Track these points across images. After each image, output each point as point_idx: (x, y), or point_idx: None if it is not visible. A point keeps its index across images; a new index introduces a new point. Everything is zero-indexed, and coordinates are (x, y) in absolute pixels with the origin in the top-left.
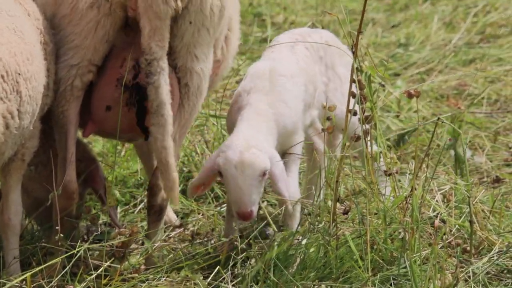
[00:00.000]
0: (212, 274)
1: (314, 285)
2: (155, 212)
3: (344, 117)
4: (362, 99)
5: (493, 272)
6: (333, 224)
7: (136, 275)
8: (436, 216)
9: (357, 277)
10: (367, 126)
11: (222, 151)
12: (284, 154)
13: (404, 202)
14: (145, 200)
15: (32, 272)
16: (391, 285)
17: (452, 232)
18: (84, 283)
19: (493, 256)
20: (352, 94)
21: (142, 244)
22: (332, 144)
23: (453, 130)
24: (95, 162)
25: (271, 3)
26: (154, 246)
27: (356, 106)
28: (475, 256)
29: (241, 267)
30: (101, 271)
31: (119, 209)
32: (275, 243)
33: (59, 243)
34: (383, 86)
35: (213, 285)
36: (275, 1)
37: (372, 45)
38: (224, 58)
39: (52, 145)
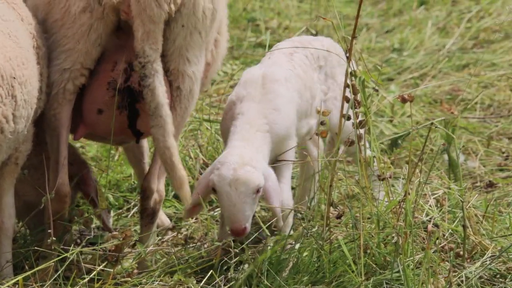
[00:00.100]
0: (205, 278)
1: None
2: (147, 216)
3: (346, 129)
4: (356, 104)
5: (486, 277)
6: (327, 228)
7: (129, 279)
8: (429, 221)
9: (350, 282)
10: (361, 131)
11: (216, 168)
12: (277, 159)
13: (398, 207)
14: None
15: (24, 275)
16: None
17: (445, 237)
18: (77, 287)
19: (486, 261)
20: (346, 99)
21: (134, 246)
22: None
23: (447, 135)
24: (86, 165)
25: (265, 8)
26: (147, 250)
27: (350, 111)
28: (468, 260)
29: (234, 271)
30: (94, 275)
31: (112, 213)
32: (268, 247)
33: (52, 247)
34: (376, 91)
35: None
36: (269, 6)
37: (366, 50)
38: (213, 60)
39: (44, 149)
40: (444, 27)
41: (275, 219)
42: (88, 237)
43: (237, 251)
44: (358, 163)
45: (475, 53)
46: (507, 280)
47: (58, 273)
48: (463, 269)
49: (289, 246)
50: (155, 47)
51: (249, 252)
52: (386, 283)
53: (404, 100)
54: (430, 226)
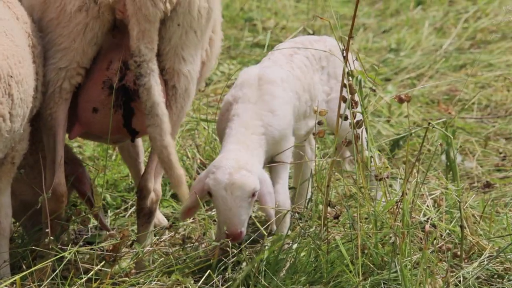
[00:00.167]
0: (203, 278)
1: None
2: (144, 215)
3: (347, 129)
4: (353, 104)
5: (483, 277)
6: (324, 228)
7: (127, 278)
8: (427, 221)
9: (348, 282)
10: (358, 131)
11: (212, 172)
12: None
13: (395, 207)
14: None
15: (22, 275)
16: None
17: (442, 237)
18: (75, 287)
19: (484, 261)
20: (343, 99)
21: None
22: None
23: (444, 135)
24: (81, 164)
25: (262, 8)
26: (145, 250)
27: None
28: (466, 260)
29: (232, 271)
30: (92, 275)
31: (109, 213)
32: (266, 247)
33: (49, 246)
34: (374, 91)
35: None
36: (266, 6)
37: (363, 50)
38: (208, 59)
39: (40, 148)
40: (441, 27)
41: (270, 222)
42: (86, 236)
43: (235, 251)
44: (355, 163)
45: (472, 54)
46: (504, 280)
47: (56, 272)
48: (460, 269)
49: (286, 246)
50: (150, 46)
51: (247, 252)
52: (384, 283)
53: (401, 100)
54: (427, 226)
